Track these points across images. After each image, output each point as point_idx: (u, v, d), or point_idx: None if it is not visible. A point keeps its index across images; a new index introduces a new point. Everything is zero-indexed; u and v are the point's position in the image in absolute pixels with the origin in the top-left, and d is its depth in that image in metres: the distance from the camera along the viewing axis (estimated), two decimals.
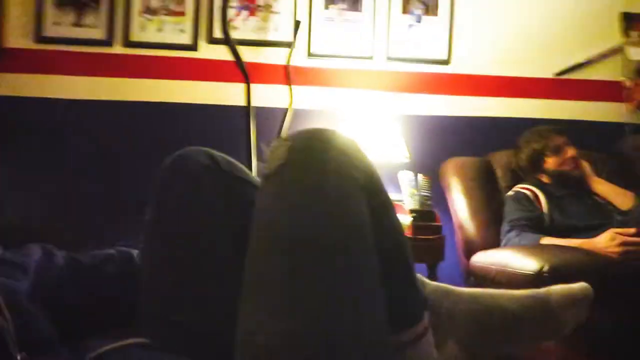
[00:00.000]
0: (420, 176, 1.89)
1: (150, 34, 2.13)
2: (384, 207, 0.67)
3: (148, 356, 0.59)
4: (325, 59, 2.21)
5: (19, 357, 0.47)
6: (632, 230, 1.52)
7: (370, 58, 2.22)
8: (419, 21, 2.25)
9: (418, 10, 2.25)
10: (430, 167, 2.01)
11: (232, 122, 2.01)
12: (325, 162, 0.60)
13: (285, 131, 1.92)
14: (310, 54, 2.20)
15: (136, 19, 2.12)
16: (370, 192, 0.63)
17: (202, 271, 0.67)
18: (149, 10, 2.13)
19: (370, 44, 2.23)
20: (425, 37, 2.24)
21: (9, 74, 2.06)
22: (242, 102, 1.72)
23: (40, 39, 2.08)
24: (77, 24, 2.10)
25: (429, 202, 1.84)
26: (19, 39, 2.07)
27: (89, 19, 2.10)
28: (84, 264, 0.74)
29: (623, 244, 1.49)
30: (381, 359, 0.56)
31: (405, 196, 1.85)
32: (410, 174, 1.90)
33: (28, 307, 0.53)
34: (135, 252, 0.80)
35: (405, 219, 1.73)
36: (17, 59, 2.07)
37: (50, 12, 2.09)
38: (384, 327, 0.58)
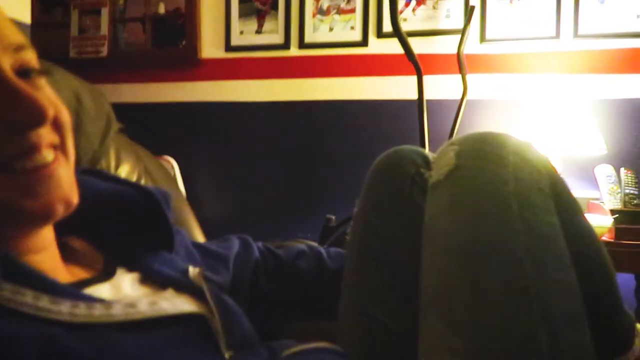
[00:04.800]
0: (622, 170, 1.53)
1: (323, 34, 2.09)
2: (571, 212, 0.55)
3: None
4: (501, 43, 1.93)
5: (226, 356, 0.44)
6: None
7: (555, 37, 1.88)
8: None
9: None
10: (634, 159, 1.62)
11: (405, 117, 1.87)
12: (502, 167, 0.51)
13: (459, 123, 1.71)
14: (484, 40, 1.94)
15: (309, 21, 2.09)
16: (556, 196, 0.52)
17: (401, 273, 0.59)
18: (321, 11, 2.09)
19: (554, 22, 1.88)
20: (623, 7, 1.82)
21: (203, 82, 2.19)
22: (414, 96, 1.55)
23: (229, 48, 2.16)
24: (259, 31, 2.13)
25: (635, 201, 1.48)
26: (212, 49, 2.19)
27: (268, 25, 2.13)
28: (279, 257, 0.71)
29: None
30: None
31: (604, 194, 1.52)
32: (609, 168, 1.55)
33: (232, 305, 0.51)
34: (322, 248, 0.75)
35: (605, 221, 1.40)
36: (210, 68, 2.18)
37: (236, 23, 2.16)
38: (589, 354, 0.46)
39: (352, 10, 2.06)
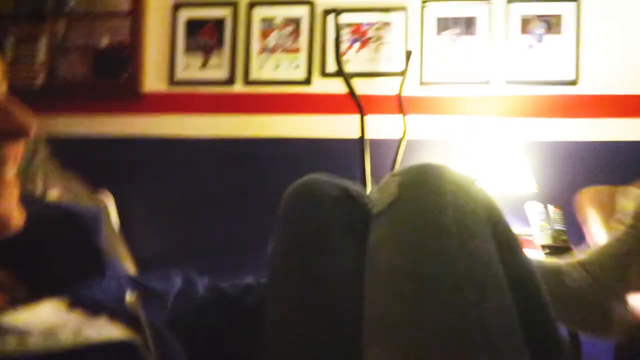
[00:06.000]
0: (551, 207, 1.62)
1: (268, 72, 2.12)
2: (508, 241, 0.57)
3: None
4: (438, 86, 2.03)
5: None
6: None
7: (487, 83, 2.01)
8: (540, 41, 1.99)
9: (539, 29, 2.00)
10: (561, 197, 1.73)
11: (346, 155, 1.91)
12: (441, 196, 0.53)
13: (399, 162, 1.76)
14: (422, 83, 2.04)
15: (255, 58, 2.12)
16: (493, 226, 0.54)
17: (328, 309, 0.57)
18: (267, 49, 2.12)
19: (486, 68, 2.02)
20: (548, 57, 1.99)
21: (146, 116, 2.14)
22: (356, 135, 1.60)
23: (173, 82, 2.14)
24: (204, 66, 2.14)
25: (563, 237, 1.57)
26: (155, 83, 2.16)
27: (213, 60, 2.14)
28: (226, 293, 0.68)
29: None
30: None
31: (534, 230, 1.60)
32: (539, 206, 1.64)
33: (169, 337, 0.49)
34: None
35: (537, 256, 1.47)
36: (153, 102, 2.15)
37: (181, 57, 2.15)
38: None
39: (297, 50, 2.12)
